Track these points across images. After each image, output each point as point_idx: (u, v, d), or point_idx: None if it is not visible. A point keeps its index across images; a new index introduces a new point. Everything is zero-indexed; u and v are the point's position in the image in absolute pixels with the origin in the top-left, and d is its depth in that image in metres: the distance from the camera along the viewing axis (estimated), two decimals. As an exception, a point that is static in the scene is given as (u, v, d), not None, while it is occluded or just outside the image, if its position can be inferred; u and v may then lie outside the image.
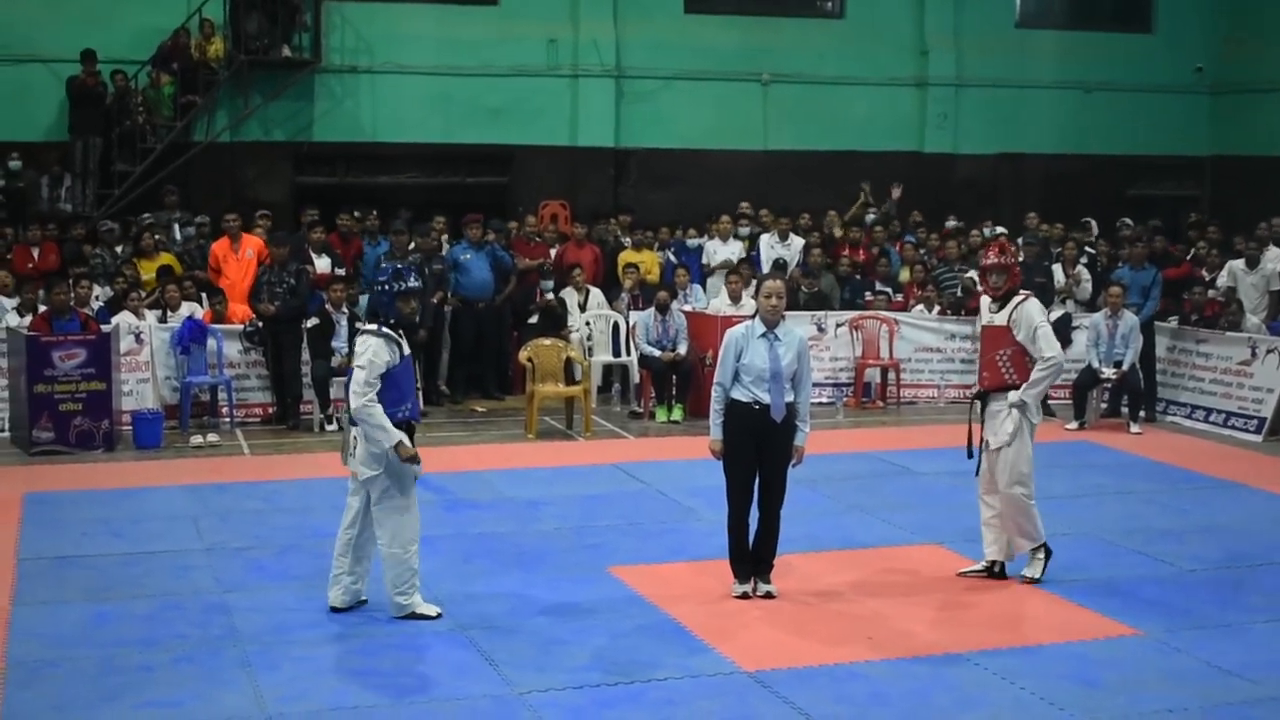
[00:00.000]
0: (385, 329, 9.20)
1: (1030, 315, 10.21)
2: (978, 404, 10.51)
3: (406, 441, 9.14)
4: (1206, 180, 26.32)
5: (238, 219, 17.25)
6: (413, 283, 9.47)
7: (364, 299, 16.69)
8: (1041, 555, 10.44)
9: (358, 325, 9.55)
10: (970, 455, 10.48)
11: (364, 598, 9.58)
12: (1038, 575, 10.39)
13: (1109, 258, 19.25)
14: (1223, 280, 18.23)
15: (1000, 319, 10.31)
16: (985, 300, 10.58)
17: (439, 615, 9.38)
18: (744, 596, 9.98)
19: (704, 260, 19.31)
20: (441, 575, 10.00)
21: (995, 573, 10.57)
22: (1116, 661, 8.79)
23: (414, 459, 9.19)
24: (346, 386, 9.54)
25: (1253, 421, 16.39)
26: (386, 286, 9.42)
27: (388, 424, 9.05)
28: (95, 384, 14.75)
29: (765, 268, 18.37)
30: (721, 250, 19.23)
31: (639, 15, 22.91)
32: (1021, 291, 10.42)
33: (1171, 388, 17.40)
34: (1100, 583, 10.42)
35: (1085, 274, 18.41)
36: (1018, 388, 10.23)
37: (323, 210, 18.79)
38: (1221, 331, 17.16)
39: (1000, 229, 20.69)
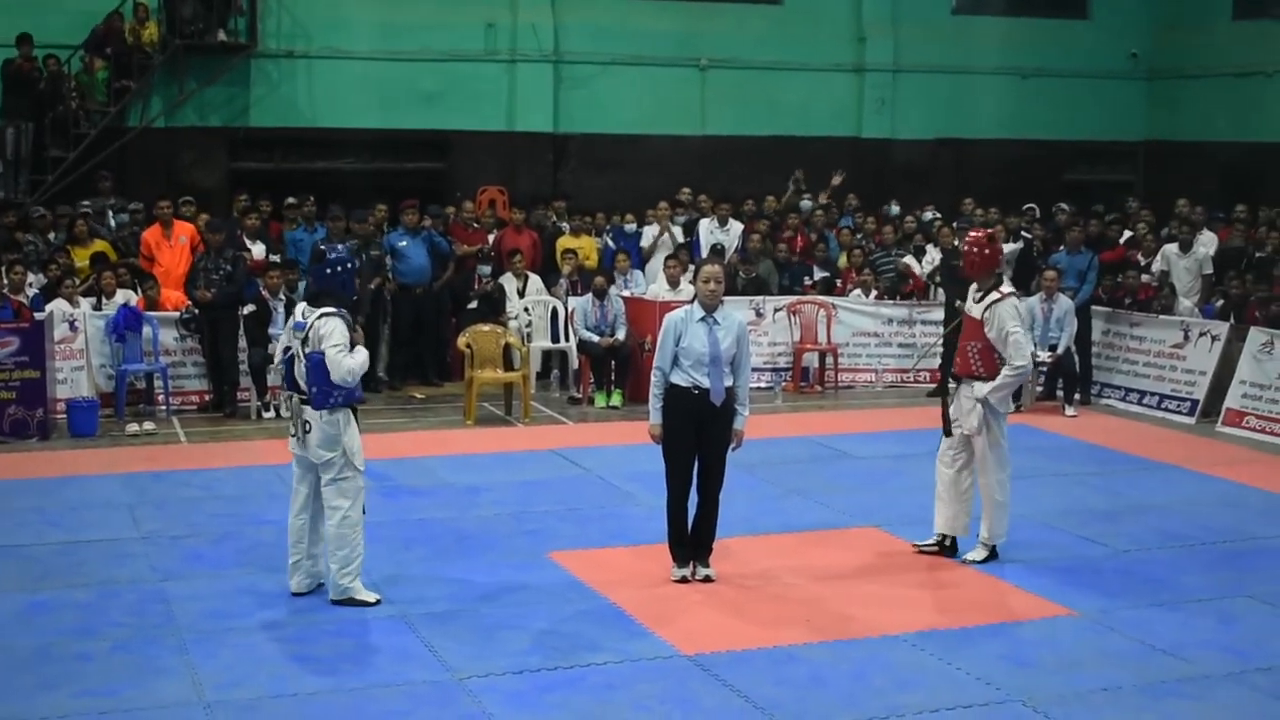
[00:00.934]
0: (343, 311, 9.23)
1: (1003, 318, 10.24)
2: (951, 385, 10.63)
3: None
4: (1141, 165, 26.54)
5: (170, 205, 17.13)
6: (355, 263, 9.70)
7: (302, 285, 16.68)
8: (990, 546, 10.55)
9: (304, 310, 9.36)
10: (948, 434, 10.60)
11: (322, 580, 9.57)
12: (980, 559, 10.49)
13: (1044, 242, 19.37)
14: (1156, 265, 18.38)
15: (976, 311, 10.39)
16: (973, 286, 10.61)
17: (378, 602, 9.37)
18: (683, 580, 10.01)
19: (642, 244, 19.29)
20: (381, 561, 9.98)
21: (947, 546, 10.70)
22: (1052, 641, 8.88)
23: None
24: (286, 373, 9.51)
25: (1185, 404, 16.55)
26: (348, 265, 9.48)
27: (357, 363, 9.17)
28: (29, 372, 14.61)
29: (704, 253, 18.38)
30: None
31: (577, 0, 22.86)
32: (1002, 288, 10.44)
33: (1106, 371, 17.54)
34: (1036, 564, 10.51)
35: (1013, 253, 18.46)
36: (982, 379, 10.31)
37: (260, 196, 18.69)
38: (1155, 315, 17.30)
39: (931, 213, 20.87)
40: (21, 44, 19.28)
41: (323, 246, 9.86)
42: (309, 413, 9.20)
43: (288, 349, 9.47)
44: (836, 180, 21.54)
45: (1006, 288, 10.46)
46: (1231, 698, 8.04)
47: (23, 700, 7.75)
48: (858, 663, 8.48)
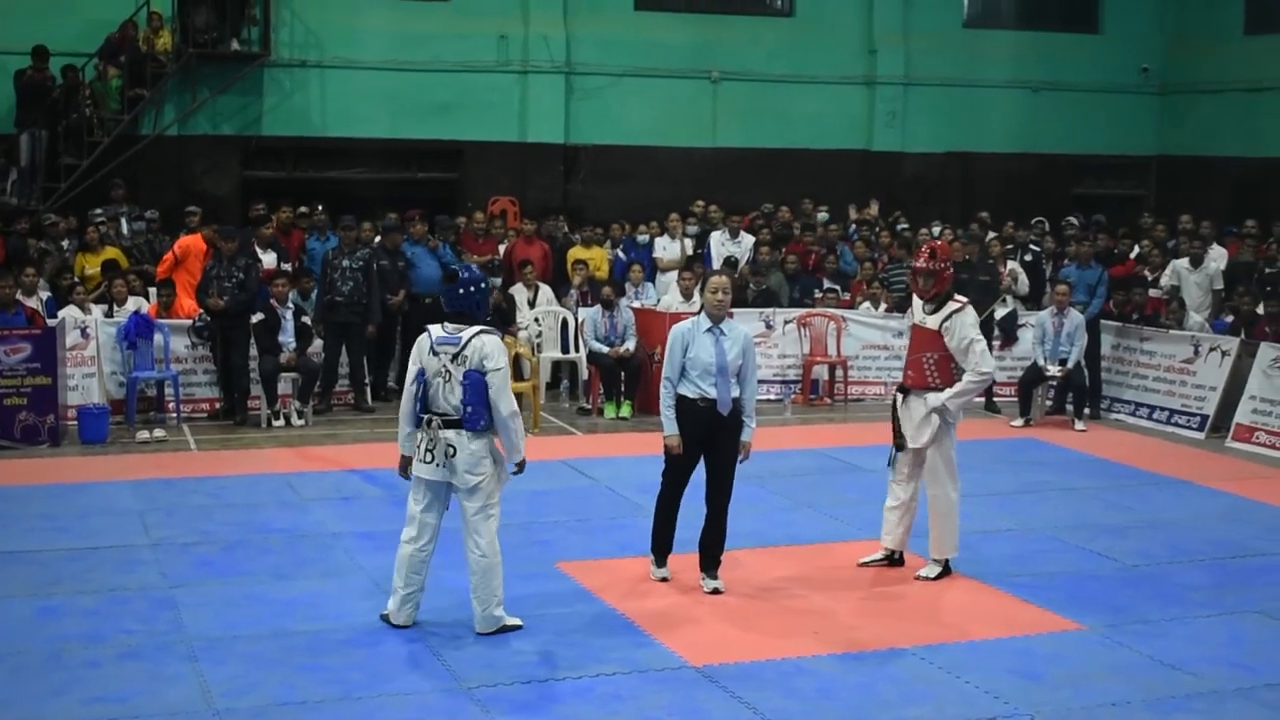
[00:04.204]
0: (499, 332, 9.03)
1: (964, 327, 10.25)
2: (899, 398, 10.57)
3: None
4: (1152, 179, 26.55)
5: (195, 213, 17.31)
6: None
7: (314, 295, 16.72)
8: (944, 564, 10.54)
9: (448, 328, 9.06)
10: (900, 448, 10.56)
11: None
12: (931, 577, 10.47)
13: (1054, 255, 19.39)
14: (1166, 279, 18.38)
15: (932, 323, 10.35)
16: (919, 300, 10.60)
17: (521, 625, 9.18)
18: (663, 580, 10.15)
19: (655, 255, 19.31)
20: (391, 571, 9.99)
21: (895, 560, 10.71)
22: (1060, 656, 8.87)
23: (524, 465, 9.14)
24: (421, 396, 9.02)
25: (1195, 419, 16.54)
26: (482, 284, 9.17)
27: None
28: (40, 379, 14.63)
29: (715, 265, 18.39)
30: (670, 248, 19.23)
31: (589, 12, 22.94)
32: (957, 299, 10.45)
33: (1116, 385, 17.53)
34: (1044, 577, 10.51)
35: (1019, 270, 18.53)
36: (939, 390, 10.31)
37: (273, 204, 18.74)
38: (1165, 330, 17.30)
39: (939, 228, 20.87)
40: (37, 57, 19.34)
41: (454, 266, 9.62)
42: (452, 436, 8.87)
43: (423, 370, 8.97)
44: (872, 211, 21.58)
45: (960, 298, 10.51)
46: (1240, 713, 8.02)
47: (33, 706, 7.76)
48: (866, 675, 8.48)
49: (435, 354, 8.91)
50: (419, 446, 9.01)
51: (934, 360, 10.34)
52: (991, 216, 21.21)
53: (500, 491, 9.07)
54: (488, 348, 8.81)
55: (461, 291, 9.06)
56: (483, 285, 9.16)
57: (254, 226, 17.85)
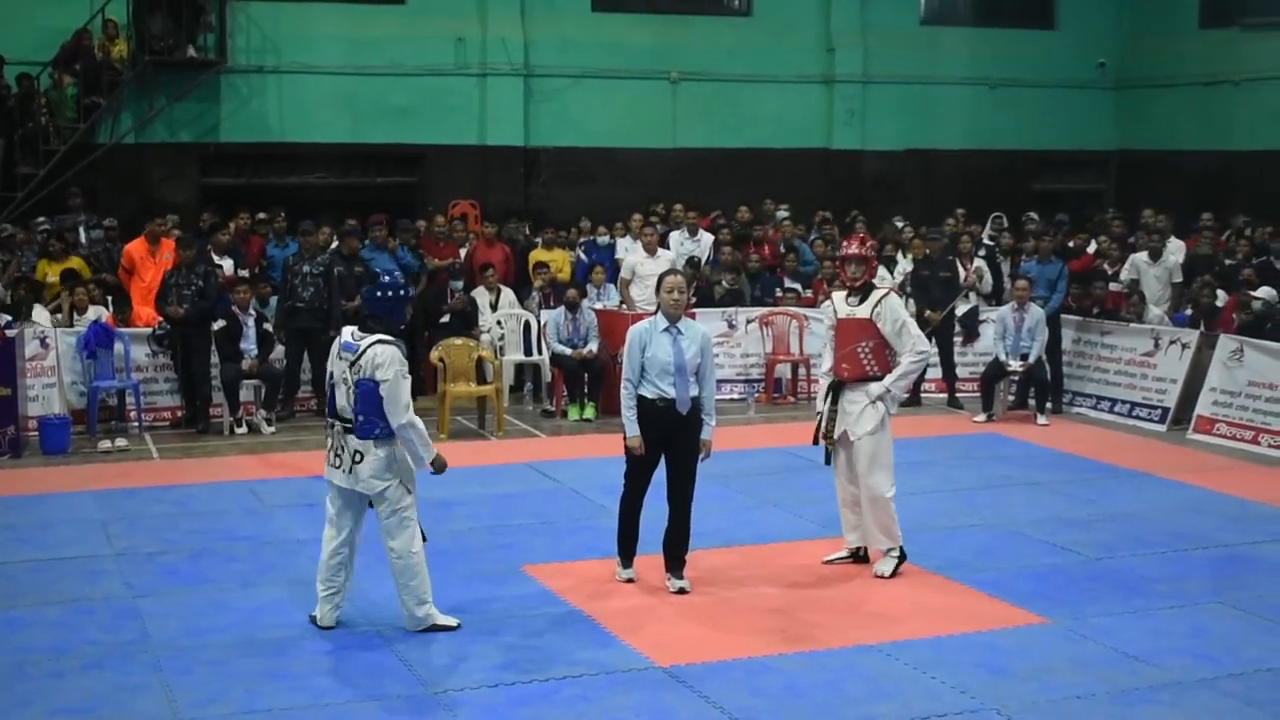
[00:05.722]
0: (393, 338, 9.01)
1: (895, 309, 10.37)
2: (829, 396, 10.58)
3: (440, 454, 9.10)
4: (1111, 174, 26.70)
5: (164, 222, 17.19)
6: (410, 289, 9.51)
7: (274, 300, 16.66)
8: (896, 554, 10.54)
9: (354, 333, 9.18)
10: (816, 443, 10.62)
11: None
12: (888, 573, 10.48)
13: (1013, 251, 19.47)
14: (1126, 273, 18.47)
15: (862, 312, 10.39)
16: (838, 295, 10.67)
17: (459, 625, 9.25)
18: (629, 581, 10.18)
19: (617, 256, 19.29)
20: (356, 576, 9.97)
21: (860, 557, 10.76)
22: (1025, 650, 8.91)
23: (444, 466, 9.17)
24: (330, 400, 9.13)
25: (1156, 411, 16.63)
26: (400, 292, 9.32)
27: (427, 436, 9.02)
28: (0, 389, 14.55)
29: (679, 264, 18.38)
30: (647, 263, 18.83)
31: (546, 13, 22.90)
32: (880, 285, 10.60)
33: (1077, 379, 17.62)
34: (1008, 572, 10.56)
35: (985, 268, 18.60)
36: (879, 379, 10.35)
37: (231, 211, 18.66)
38: (1125, 323, 17.38)
39: (901, 224, 20.95)
40: (-9, 65, 19.26)
41: (377, 270, 9.70)
42: (356, 442, 8.93)
43: (332, 374, 9.12)
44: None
45: (883, 284, 10.63)
46: (1204, 704, 8.07)
47: (-4, 719, 7.74)
48: (832, 672, 8.51)
49: (340, 358, 9.03)
50: (327, 450, 9.14)
51: (869, 349, 10.38)
52: (950, 213, 21.26)
53: (412, 496, 9.10)
54: (380, 357, 8.84)
55: (379, 295, 9.25)
56: (400, 293, 9.32)
57: (208, 233, 17.76)
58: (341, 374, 9.01)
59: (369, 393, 8.83)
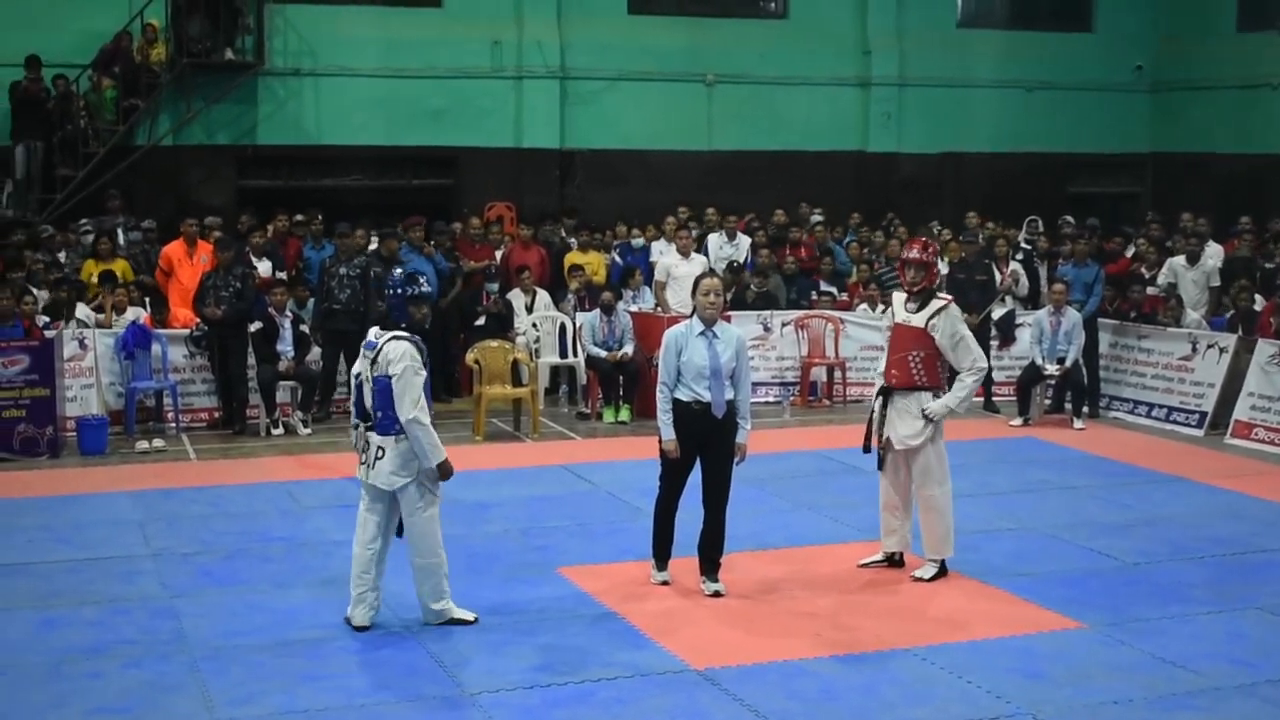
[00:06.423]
0: (415, 337, 9.08)
1: (954, 323, 10.27)
2: (880, 399, 10.54)
3: (449, 461, 9.13)
4: (1147, 177, 26.57)
5: (196, 224, 17.25)
6: (424, 288, 9.56)
7: (311, 302, 16.72)
8: (938, 562, 10.52)
9: (376, 332, 9.20)
10: (867, 450, 10.61)
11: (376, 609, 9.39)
12: (927, 578, 10.45)
13: (1050, 255, 19.40)
14: (1163, 277, 18.38)
15: (917, 320, 10.30)
16: (899, 298, 10.57)
17: (476, 619, 9.32)
18: (664, 584, 10.17)
19: (651, 259, 19.27)
20: (390, 578, 9.96)
21: (895, 562, 10.72)
22: (1062, 654, 8.87)
23: (450, 472, 9.17)
24: (355, 400, 9.24)
25: (1194, 416, 16.54)
26: (400, 290, 9.39)
27: (437, 438, 9.04)
28: (39, 390, 14.63)
29: (718, 268, 18.39)
30: (681, 265, 18.79)
31: (582, 16, 22.93)
32: (941, 296, 10.48)
33: (1114, 383, 17.53)
34: (1045, 576, 10.52)
35: (1021, 272, 18.54)
36: (925, 389, 10.29)
37: (268, 213, 18.74)
38: (1163, 327, 17.30)
39: (937, 228, 20.89)
40: (30, 66, 19.35)
41: (399, 270, 9.76)
42: (378, 439, 9.00)
43: (359, 374, 9.20)
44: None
45: (944, 295, 10.57)
46: (1242, 710, 8.03)
47: (34, 718, 7.77)
48: (868, 676, 8.49)
49: (364, 357, 9.14)
50: (356, 448, 9.26)
51: (920, 358, 10.31)
52: (986, 216, 21.20)
53: (433, 497, 9.14)
54: (393, 353, 8.93)
55: (388, 292, 9.45)
56: (400, 292, 9.38)
57: (245, 236, 17.84)
58: (365, 372, 9.10)
59: (385, 389, 8.93)
